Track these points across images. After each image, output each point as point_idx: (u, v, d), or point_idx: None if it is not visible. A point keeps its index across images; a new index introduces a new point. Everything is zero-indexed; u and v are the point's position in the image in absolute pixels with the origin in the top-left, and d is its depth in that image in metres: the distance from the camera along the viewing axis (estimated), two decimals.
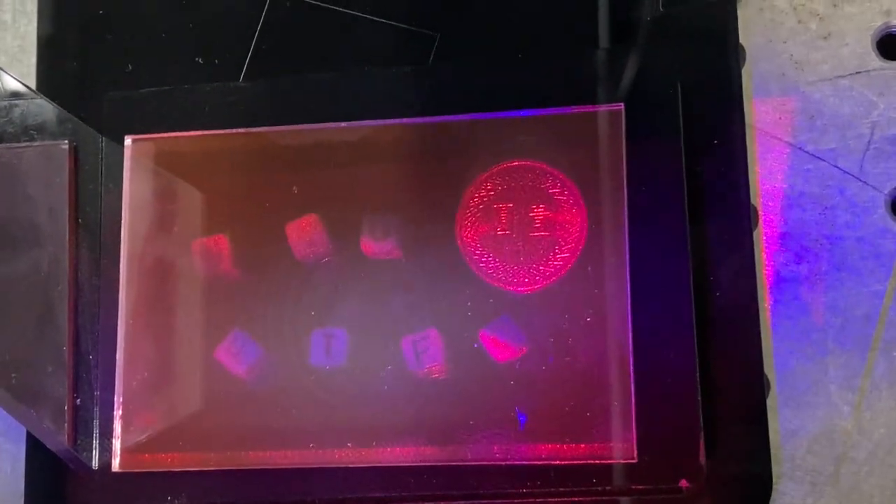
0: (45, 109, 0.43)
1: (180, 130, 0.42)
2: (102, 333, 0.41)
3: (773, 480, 0.37)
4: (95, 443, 0.41)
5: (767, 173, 0.39)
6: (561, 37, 0.42)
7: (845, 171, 0.39)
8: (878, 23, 0.40)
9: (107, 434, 0.41)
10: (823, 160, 0.39)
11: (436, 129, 0.41)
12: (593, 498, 0.38)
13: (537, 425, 0.38)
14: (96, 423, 0.41)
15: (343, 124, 0.41)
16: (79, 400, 0.41)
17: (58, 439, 0.40)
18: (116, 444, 0.41)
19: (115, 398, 0.41)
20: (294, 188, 0.42)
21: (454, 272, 0.40)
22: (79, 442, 0.41)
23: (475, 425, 0.39)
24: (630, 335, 0.38)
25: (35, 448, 0.42)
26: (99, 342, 0.41)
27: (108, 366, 0.41)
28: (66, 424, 0.40)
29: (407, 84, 0.41)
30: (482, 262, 0.40)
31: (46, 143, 0.42)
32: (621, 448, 0.38)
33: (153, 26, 0.44)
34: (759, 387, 0.37)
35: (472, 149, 0.41)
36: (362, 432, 0.39)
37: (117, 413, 0.41)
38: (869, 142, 0.39)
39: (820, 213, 0.39)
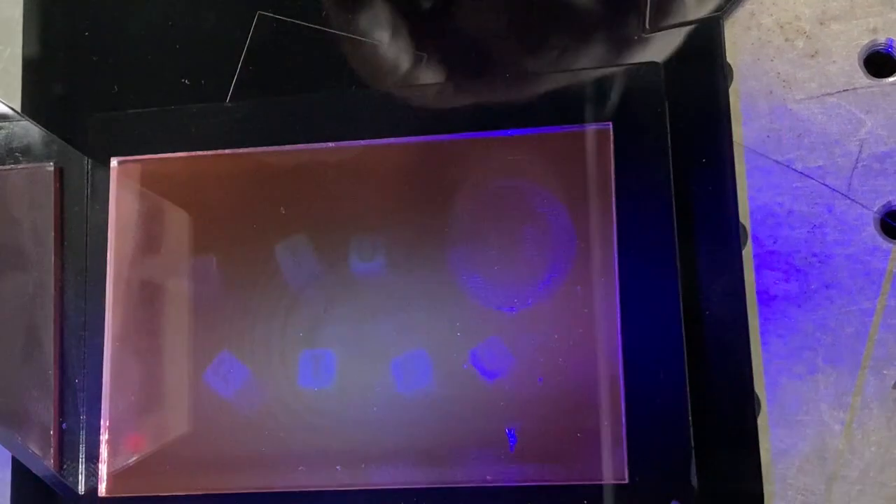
0: (31, 131, 0.43)
1: (166, 152, 0.42)
2: (88, 357, 0.41)
3: (765, 500, 0.37)
4: (82, 468, 0.41)
5: (756, 191, 0.39)
6: (549, 56, 0.42)
7: (833, 189, 0.39)
8: (864, 40, 0.40)
9: (93, 459, 0.40)
10: (811, 178, 0.39)
11: (424, 148, 0.41)
12: None
13: (528, 446, 0.38)
14: (82, 447, 0.41)
15: (331, 144, 0.41)
16: (65, 424, 0.40)
17: (44, 464, 0.40)
18: (103, 469, 0.40)
19: (102, 422, 0.40)
20: (282, 209, 0.41)
21: (443, 293, 0.40)
22: (65, 467, 0.40)
23: (465, 447, 0.39)
24: (620, 354, 0.38)
25: (21, 473, 0.41)
26: (85, 365, 0.41)
27: (94, 389, 0.41)
28: (51, 449, 0.40)
29: (394, 104, 0.41)
30: (471, 283, 0.40)
31: (32, 165, 0.42)
32: (612, 469, 0.37)
33: (139, 48, 0.44)
34: (749, 406, 0.37)
35: (460, 168, 0.41)
36: (351, 455, 0.39)
37: (104, 437, 0.40)
38: (857, 159, 0.39)
39: (808, 231, 0.39)
